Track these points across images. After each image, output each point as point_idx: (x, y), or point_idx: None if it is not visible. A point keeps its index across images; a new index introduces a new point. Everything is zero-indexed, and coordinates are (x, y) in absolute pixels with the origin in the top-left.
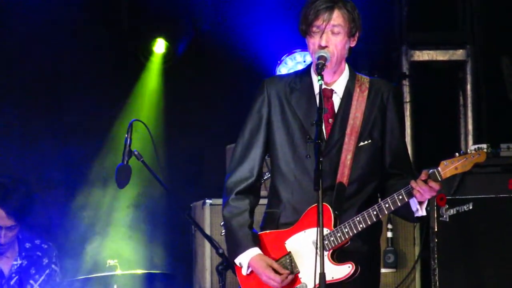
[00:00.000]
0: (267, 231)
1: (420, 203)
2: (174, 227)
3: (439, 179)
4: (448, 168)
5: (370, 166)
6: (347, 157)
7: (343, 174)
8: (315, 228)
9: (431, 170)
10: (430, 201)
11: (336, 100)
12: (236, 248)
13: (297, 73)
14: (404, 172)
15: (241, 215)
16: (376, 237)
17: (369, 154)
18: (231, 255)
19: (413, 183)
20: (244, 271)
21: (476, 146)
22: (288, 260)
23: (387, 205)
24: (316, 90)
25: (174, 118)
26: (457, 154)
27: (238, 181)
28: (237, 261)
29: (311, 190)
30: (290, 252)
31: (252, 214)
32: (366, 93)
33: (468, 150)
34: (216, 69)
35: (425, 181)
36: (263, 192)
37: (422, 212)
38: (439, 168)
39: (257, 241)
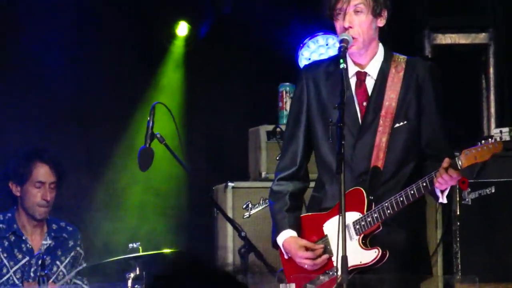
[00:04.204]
0: (309, 214)
1: (441, 191)
2: (196, 210)
3: (459, 168)
4: (468, 158)
5: (406, 148)
6: (382, 140)
7: (378, 157)
8: (352, 212)
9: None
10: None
11: (370, 82)
12: (275, 231)
13: (332, 58)
14: (440, 153)
15: (281, 199)
16: (416, 228)
17: (405, 135)
18: (273, 240)
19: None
20: (285, 255)
21: (498, 130)
22: (324, 244)
23: (412, 192)
24: (351, 74)
25: (197, 101)
26: (479, 143)
27: (281, 169)
28: (278, 244)
29: (348, 175)
30: (326, 235)
31: (294, 198)
32: (402, 73)
33: (489, 140)
34: (238, 52)
35: (446, 169)
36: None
37: (443, 200)
38: (461, 157)
39: (295, 224)
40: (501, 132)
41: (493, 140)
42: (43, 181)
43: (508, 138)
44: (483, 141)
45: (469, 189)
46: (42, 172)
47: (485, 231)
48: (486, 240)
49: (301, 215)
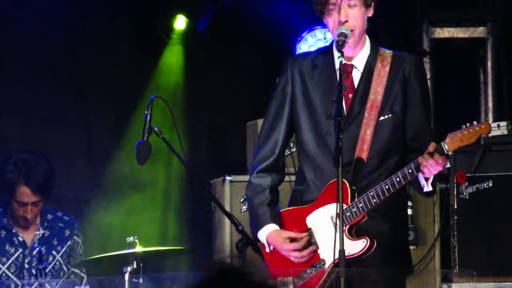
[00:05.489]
0: (290, 208)
1: (426, 179)
2: (194, 204)
3: (445, 151)
4: (453, 141)
5: (391, 141)
6: (366, 132)
7: (362, 149)
8: (334, 204)
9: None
10: (449, 179)
11: (357, 75)
12: (256, 226)
13: (320, 50)
14: (424, 146)
15: (261, 193)
16: (398, 216)
17: (390, 128)
18: (253, 234)
19: (420, 158)
20: (267, 248)
21: (496, 124)
22: (308, 237)
23: (398, 179)
24: (337, 66)
25: (195, 95)
26: (463, 126)
27: (260, 160)
28: (259, 238)
29: (332, 167)
30: (310, 228)
31: (274, 191)
32: (388, 67)
33: (474, 122)
34: (236, 46)
35: (432, 155)
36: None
37: (428, 187)
38: (446, 141)
39: (276, 218)
40: (498, 126)
41: (478, 122)
42: (26, 202)
43: (506, 132)
44: (468, 124)
45: (467, 183)
46: (25, 194)
47: (483, 225)
48: (484, 234)
49: (282, 210)
